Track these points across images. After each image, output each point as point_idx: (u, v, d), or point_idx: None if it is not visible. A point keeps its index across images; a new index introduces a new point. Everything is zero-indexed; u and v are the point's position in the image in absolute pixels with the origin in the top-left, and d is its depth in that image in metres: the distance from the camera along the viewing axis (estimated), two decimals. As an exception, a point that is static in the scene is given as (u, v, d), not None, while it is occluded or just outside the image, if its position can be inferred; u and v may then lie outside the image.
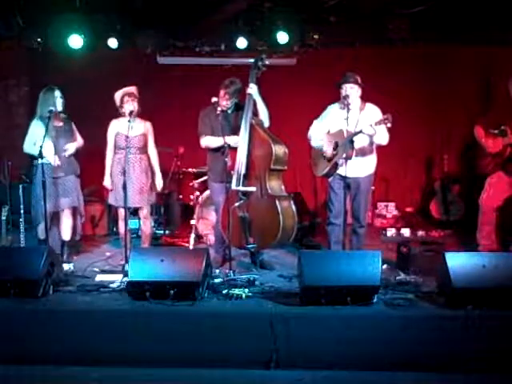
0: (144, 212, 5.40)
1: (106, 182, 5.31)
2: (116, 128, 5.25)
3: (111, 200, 5.37)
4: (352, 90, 4.95)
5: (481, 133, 5.30)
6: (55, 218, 5.33)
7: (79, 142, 5.40)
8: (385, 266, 4.65)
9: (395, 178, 7.37)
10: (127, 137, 5.09)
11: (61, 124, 5.28)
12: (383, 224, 7.21)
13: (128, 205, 5.02)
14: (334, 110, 5.15)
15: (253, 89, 4.91)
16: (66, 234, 5.34)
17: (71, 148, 5.26)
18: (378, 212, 7.42)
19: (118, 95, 5.28)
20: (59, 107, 5.22)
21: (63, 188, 5.24)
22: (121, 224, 5.25)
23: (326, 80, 6.95)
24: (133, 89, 5.31)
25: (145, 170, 5.30)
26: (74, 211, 5.39)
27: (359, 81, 5.01)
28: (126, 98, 5.20)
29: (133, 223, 5.92)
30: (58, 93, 5.24)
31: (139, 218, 5.60)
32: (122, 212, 5.13)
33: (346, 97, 4.87)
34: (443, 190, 7.28)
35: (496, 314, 3.70)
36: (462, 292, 3.76)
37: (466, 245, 5.70)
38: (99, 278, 4.60)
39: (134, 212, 5.79)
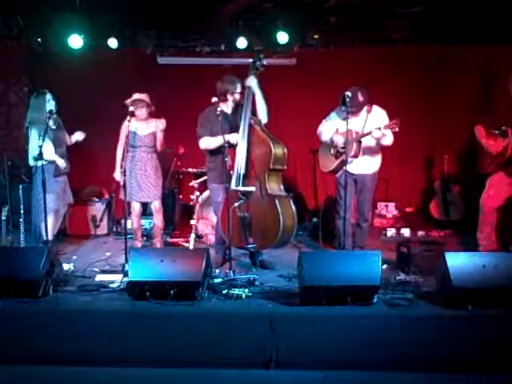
0: (156, 206, 5.62)
1: (116, 175, 5.56)
2: (126, 128, 5.41)
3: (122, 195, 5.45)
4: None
5: (481, 133, 5.30)
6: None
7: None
8: (385, 266, 4.65)
9: (395, 178, 7.34)
10: (127, 136, 5.31)
11: (55, 126, 5.41)
12: (383, 224, 7.19)
13: (132, 199, 5.43)
14: (340, 111, 5.19)
15: (252, 81, 4.88)
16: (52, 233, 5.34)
17: (79, 136, 5.58)
18: (378, 212, 7.39)
19: (128, 103, 5.41)
20: (52, 108, 5.29)
21: (66, 187, 5.54)
22: (134, 219, 5.61)
23: (326, 80, 6.97)
24: (142, 96, 5.49)
25: (153, 167, 5.54)
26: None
27: (361, 99, 5.05)
28: (135, 104, 5.40)
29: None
30: (49, 96, 5.38)
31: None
32: (133, 207, 5.51)
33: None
34: (443, 190, 7.27)
35: (496, 314, 3.70)
36: (461, 292, 3.76)
37: (465, 245, 5.70)
38: (99, 277, 4.61)
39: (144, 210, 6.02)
